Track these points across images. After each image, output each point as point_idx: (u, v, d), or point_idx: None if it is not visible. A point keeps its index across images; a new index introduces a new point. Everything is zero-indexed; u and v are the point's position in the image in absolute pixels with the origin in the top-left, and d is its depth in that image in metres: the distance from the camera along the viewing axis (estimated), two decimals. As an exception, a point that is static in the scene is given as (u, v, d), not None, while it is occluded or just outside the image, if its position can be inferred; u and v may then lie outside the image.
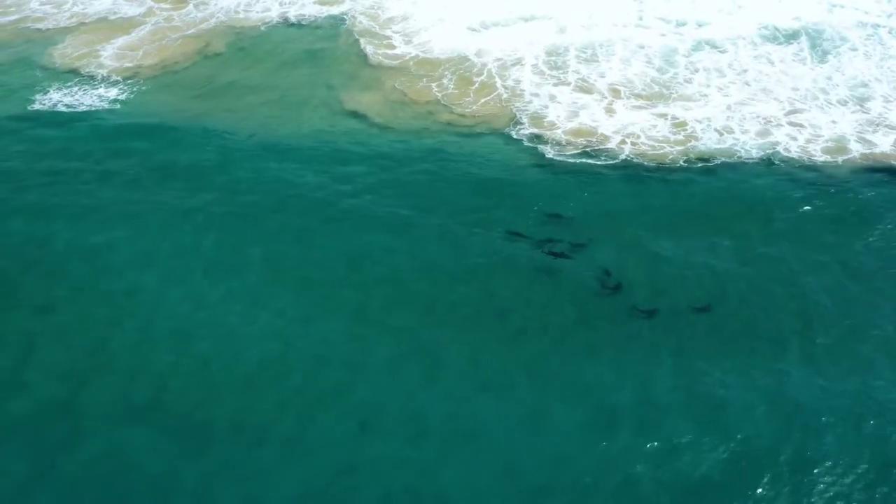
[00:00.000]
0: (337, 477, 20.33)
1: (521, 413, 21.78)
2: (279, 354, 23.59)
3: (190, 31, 42.48)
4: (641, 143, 33.01)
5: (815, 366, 23.33)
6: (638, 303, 25.07)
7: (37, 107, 36.02)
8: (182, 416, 21.76)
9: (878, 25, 42.21)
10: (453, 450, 20.90)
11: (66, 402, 22.09)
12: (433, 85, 37.46)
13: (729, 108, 35.16)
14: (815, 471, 20.41)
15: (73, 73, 38.77)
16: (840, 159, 32.28)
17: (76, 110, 35.81)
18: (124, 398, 22.19)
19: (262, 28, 42.93)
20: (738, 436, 21.14)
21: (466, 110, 35.49)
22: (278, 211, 29.37)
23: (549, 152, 32.51)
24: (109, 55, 40.25)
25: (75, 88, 37.34)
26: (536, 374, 22.95)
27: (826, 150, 32.74)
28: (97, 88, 37.47)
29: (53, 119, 35.31)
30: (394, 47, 40.58)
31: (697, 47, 40.19)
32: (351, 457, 20.81)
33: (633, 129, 33.71)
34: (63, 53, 40.35)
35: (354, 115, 35.38)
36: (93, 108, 35.86)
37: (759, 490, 19.94)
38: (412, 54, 39.94)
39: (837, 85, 37.07)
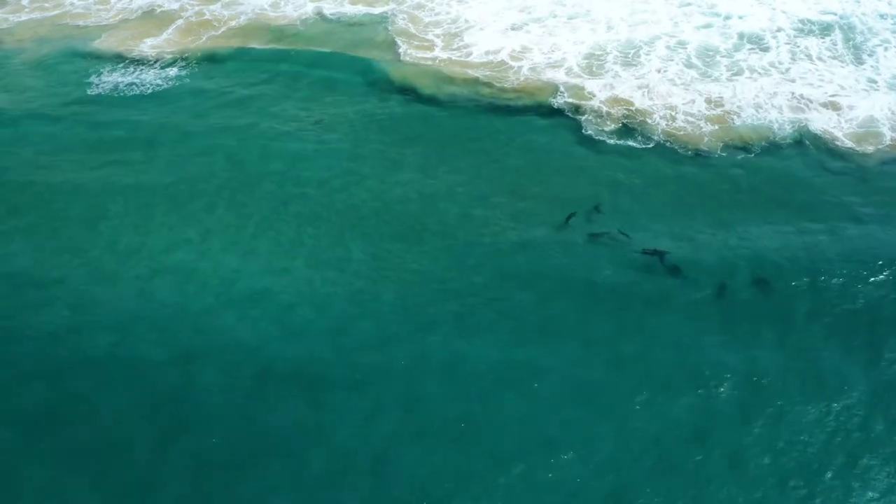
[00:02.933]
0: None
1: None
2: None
3: (221, 31, 42.45)
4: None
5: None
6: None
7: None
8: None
9: (899, 17, 41.96)
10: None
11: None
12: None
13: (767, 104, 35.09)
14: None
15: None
16: (870, 149, 32.45)
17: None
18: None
19: (300, 26, 43.04)
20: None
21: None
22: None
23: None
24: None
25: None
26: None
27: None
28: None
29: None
30: (431, 49, 40.26)
31: (739, 45, 39.84)
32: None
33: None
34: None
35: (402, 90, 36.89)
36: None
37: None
38: (444, 57, 39.67)
39: (879, 88, 36.67)
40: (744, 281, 25.70)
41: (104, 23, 42.89)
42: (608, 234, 27.30)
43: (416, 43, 40.94)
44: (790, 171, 31.47)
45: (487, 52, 39.90)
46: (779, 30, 41.13)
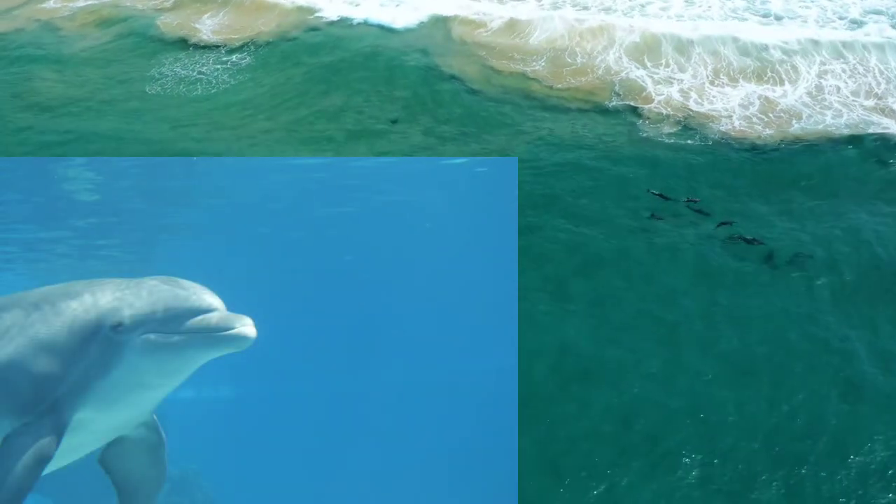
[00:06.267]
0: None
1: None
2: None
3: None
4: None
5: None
6: None
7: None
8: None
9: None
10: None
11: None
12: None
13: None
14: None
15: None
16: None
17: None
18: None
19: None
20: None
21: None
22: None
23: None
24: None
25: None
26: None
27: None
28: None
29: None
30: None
31: (793, 45, 39.70)
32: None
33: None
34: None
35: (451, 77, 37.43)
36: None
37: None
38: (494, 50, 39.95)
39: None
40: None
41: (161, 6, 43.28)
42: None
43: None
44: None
45: (538, 48, 40.04)
46: (833, 30, 40.96)
